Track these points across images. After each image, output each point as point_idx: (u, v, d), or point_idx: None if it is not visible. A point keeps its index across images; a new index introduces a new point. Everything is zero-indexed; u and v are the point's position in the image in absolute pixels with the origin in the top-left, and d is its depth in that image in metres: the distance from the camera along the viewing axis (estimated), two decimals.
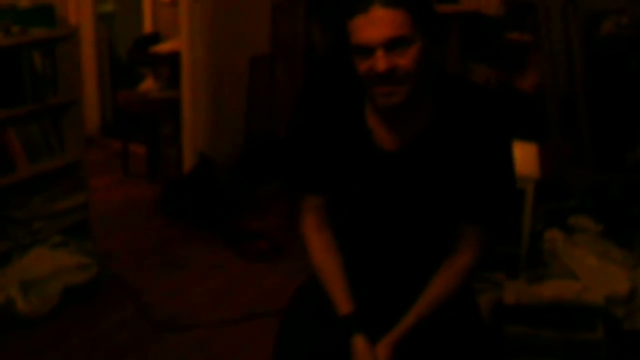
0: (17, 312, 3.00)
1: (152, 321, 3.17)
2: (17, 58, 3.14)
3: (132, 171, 4.95)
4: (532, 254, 3.33)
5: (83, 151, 3.58)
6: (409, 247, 1.82)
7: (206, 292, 3.46)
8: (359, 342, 1.75)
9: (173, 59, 4.71)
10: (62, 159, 3.49)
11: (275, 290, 3.42)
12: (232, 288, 3.50)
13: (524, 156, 3.41)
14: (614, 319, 2.92)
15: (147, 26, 5.58)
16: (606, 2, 4.76)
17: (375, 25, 1.55)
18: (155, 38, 5.29)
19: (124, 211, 4.35)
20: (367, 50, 1.58)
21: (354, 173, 1.79)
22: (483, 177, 1.73)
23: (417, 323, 1.78)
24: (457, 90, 1.73)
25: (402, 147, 1.73)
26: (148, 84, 4.97)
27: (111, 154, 5.25)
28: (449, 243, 1.81)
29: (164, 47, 5.01)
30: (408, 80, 1.60)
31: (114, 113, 5.66)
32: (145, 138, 4.99)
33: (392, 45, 1.56)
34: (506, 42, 6.88)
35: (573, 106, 4.19)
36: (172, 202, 4.29)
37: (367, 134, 1.75)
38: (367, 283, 1.87)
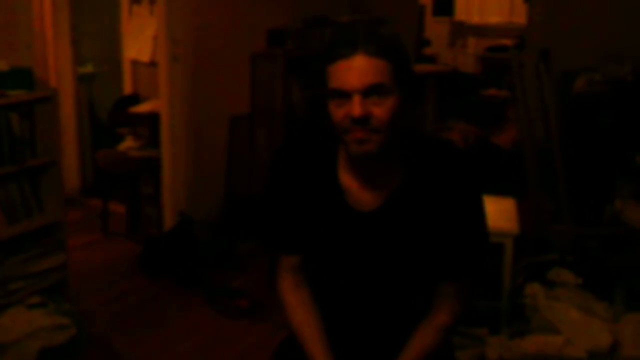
0: None
1: None
2: None
3: (112, 230, 4.93)
4: (514, 309, 3.33)
5: (62, 212, 3.56)
6: (387, 306, 1.82)
7: (187, 350, 3.42)
8: None
9: (153, 118, 4.74)
10: (41, 220, 3.46)
11: (257, 347, 3.39)
12: (214, 346, 3.46)
13: (503, 211, 3.44)
14: None
15: (127, 87, 5.62)
16: (578, 60, 4.87)
17: (356, 72, 1.58)
18: (135, 99, 5.33)
19: (103, 270, 4.31)
20: (345, 95, 1.60)
21: (329, 233, 1.79)
22: (456, 233, 1.74)
23: None
24: (427, 148, 1.75)
25: (375, 207, 1.74)
26: (128, 144, 4.99)
27: (91, 213, 5.22)
28: (427, 300, 1.82)
29: (143, 107, 5.05)
30: (381, 130, 1.61)
31: (94, 173, 5.65)
32: (125, 197, 4.98)
33: (370, 92, 1.58)
34: (483, 98, 7.01)
35: (550, 161, 4.24)
36: (152, 261, 4.27)
37: (341, 194, 1.76)
38: (346, 341, 1.86)
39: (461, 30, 9.48)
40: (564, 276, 3.53)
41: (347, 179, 1.76)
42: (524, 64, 4.43)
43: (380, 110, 1.60)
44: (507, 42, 8.21)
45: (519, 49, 5.32)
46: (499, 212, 3.41)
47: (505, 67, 5.56)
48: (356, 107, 1.58)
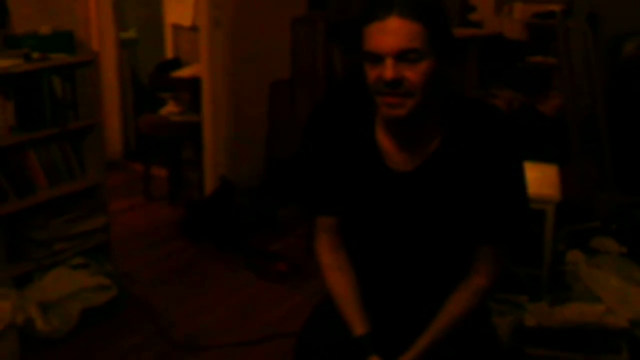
0: (36, 332, 3.00)
1: (172, 342, 3.17)
2: (38, 83, 3.18)
3: (153, 194, 4.98)
4: (554, 276, 3.30)
5: (103, 174, 3.60)
6: (423, 268, 1.81)
7: (226, 312, 3.46)
8: None
9: (194, 83, 4.75)
10: (83, 182, 3.51)
11: (296, 311, 3.40)
12: (252, 309, 3.49)
13: (545, 178, 3.39)
14: (638, 342, 2.88)
15: (169, 52, 5.65)
16: (628, 24, 4.75)
17: (389, 35, 1.55)
18: (177, 63, 5.35)
19: (145, 233, 4.36)
20: (378, 58, 1.58)
21: (366, 194, 1.78)
22: (495, 198, 1.72)
23: (432, 344, 1.77)
24: (470, 111, 1.72)
25: (413, 168, 1.73)
26: (169, 108, 5.02)
27: (134, 177, 5.28)
28: (463, 264, 1.80)
29: (184, 72, 5.07)
30: (414, 94, 1.59)
31: (137, 137, 5.70)
32: (167, 161, 5.02)
33: (403, 56, 1.56)
34: (529, 65, 6.88)
35: (595, 128, 4.17)
36: (193, 224, 4.31)
37: (379, 155, 1.75)
38: (382, 303, 1.86)
39: None
40: (607, 244, 3.48)
41: (385, 140, 1.75)
42: (570, 29, 4.33)
43: (413, 74, 1.57)
44: (555, 7, 8.02)
45: (567, 14, 5.20)
46: (540, 178, 3.36)
47: (552, 34, 5.44)
48: (388, 71, 1.56)
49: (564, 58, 4.14)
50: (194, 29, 5.15)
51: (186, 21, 5.37)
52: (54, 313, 3.09)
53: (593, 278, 3.16)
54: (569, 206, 3.58)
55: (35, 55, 3.18)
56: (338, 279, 1.88)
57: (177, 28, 5.56)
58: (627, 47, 4.68)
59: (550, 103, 5.62)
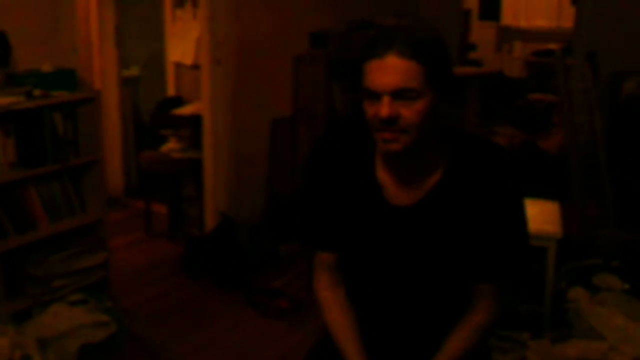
0: None
1: None
2: (39, 120, 3.20)
3: (154, 230, 4.98)
4: (556, 314, 3.27)
5: (104, 211, 3.60)
6: (422, 304, 1.80)
7: (226, 350, 3.43)
8: None
9: (195, 121, 4.77)
10: (83, 219, 3.51)
11: (296, 348, 3.38)
12: (253, 346, 3.47)
13: (547, 214, 3.39)
14: None
15: (170, 89, 5.68)
16: (627, 63, 4.77)
17: (387, 73, 1.56)
18: (178, 101, 5.38)
19: (145, 270, 4.35)
20: (375, 95, 1.59)
21: (365, 228, 1.78)
22: (495, 235, 1.71)
23: None
24: (470, 147, 1.72)
25: (413, 203, 1.72)
26: (170, 145, 5.04)
27: (134, 214, 5.29)
28: (463, 300, 1.79)
29: (186, 110, 5.10)
30: (409, 131, 1.60)
31: (137, 174, 5.71)
32: (168, 198, 5.03)
33: (400, 94, 1.57)
34: (529, 103, 6.91)
35: (596, 165, 4.17)
36: (194, 261, 4.30)
37: (378, 190, 1.75)
38: (381, 340, 1.85)
39: (507, 35, 9.37)
40: (609, 281, 3.46)
41: (385, 175, 1.75)
42: (569, 67, 4.36)
43: (410, 112, 1.58)
44: (554, 46, 8.08)
45: (566, 53, 5.24)
46: (542, 215, 3.36)
47: (552, 72, 5.48)
48: (384, 108, 1.58)
49: (564, 96, 4.16)
50: (195, 67, 5.19)
51: (188, 59, 5.42)
52: (52, 349, 3.06)
53: (596, 316, 3.13)
54: (571, 243, 3.57)
55: (36, 92, 3.20)
56: (337, 316, 1.86)
57: (178, 66, 5.61)
58: (627, 85, 4.70)
59: (551, 140, 5.63)
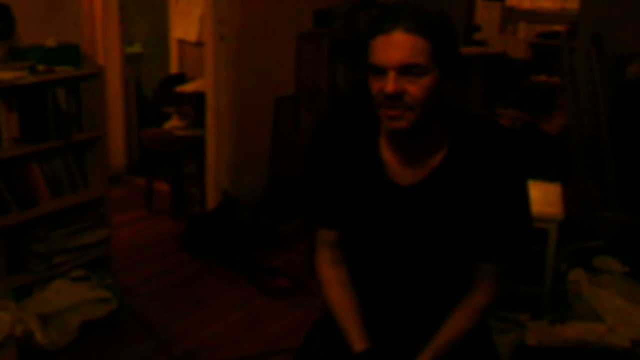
0: (35, 344, 2.99)
1: (172, 357, 3.16)
2: (42, 95, 3.19)
3: (156, 208, 4.98)
4: (556, 295, 3.28)
5: (106, 187, 3.60)
6: (424, 283, 1.80)
7: (227, 328, 3.45)
8: None
9: (198, 98, 4.76)
10: (85, 195, 3.51)
11: (296, 327, 3.39)
12: (253, 324, 3.49)
13: (548, 196, 3.39)
14: None
15: (174, 67, 5.67)
16: (632, 45, 4.75)
17: (393, 48, 1.56)
18: (181, 78, 5.36)
19: (146, 247, 4.36)
20: (381, 71, 1.58)
21: (368, 206, 1.78)
22: (497, 215, 1.71)
23: None
24: (474, 127, 1.72)
25: (417, 182, 1.72)
26: (173, 123, 5.03)
27: (136, 191, 5.29)
28: (465, 280, 1.79)
29: (189, 87, 5.08)
30: (415, 107, 1.59)
31: (140, 151, 5.71)
32: (170, 176, 5.03)
33: (406, 70, 1.56)
34: (533, 84, 6.89)
35: (599, 148, 4.17)
36: (195, 239, 4.31)
37: (381, 168, 1.75)
38: (382, 319, 1.85)
39: (512, 16, 9.32)
40: (609, 264, 3.47)
41: (388, 153, 1.75)
42: (574, 49, 4.34)
43: (415, 88, 1.58)
44: (559, 28, 8.04)
45: (571, 35, 5.21)
46: (543, 196, 3.36)
47: (557, 53, 5.45)
48: (389, 84, 1.57)
49: (568, 78, 4.15)
50: (199, 44, 5.17)
51: (191, 37, 5.39)
52: (53, 325, 3.08)
53: (595, 297, 3.15)
54: (572, 225, 3.57)
55: (40, 67, 3.19)
56: (338, 294, 1.86)
57: (182, 43, 5.59)
58: (632, 67, 4.68)
59: (554, 122, 5.62)
